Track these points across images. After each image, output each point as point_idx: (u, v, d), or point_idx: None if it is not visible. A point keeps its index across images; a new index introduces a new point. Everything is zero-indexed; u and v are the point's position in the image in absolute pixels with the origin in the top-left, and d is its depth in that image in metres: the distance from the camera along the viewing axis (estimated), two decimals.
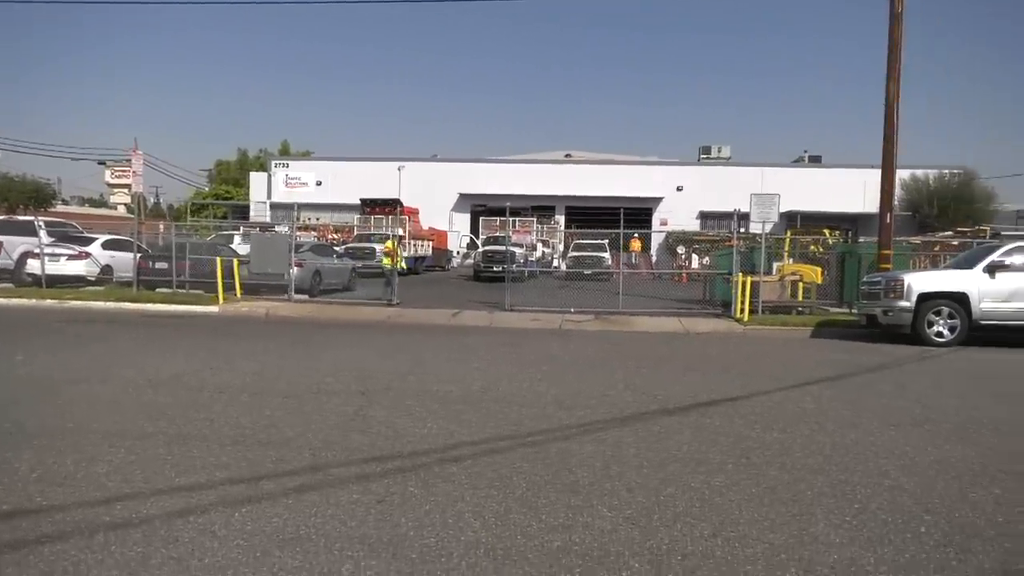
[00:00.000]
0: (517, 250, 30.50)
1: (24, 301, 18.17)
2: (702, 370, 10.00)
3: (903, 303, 13.57)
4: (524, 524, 4.08)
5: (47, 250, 20.67)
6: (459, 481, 4.81)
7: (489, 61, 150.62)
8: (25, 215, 28.86)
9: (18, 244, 21.95)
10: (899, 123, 16.48)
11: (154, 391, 7.52)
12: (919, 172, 44.52)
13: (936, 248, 24.86)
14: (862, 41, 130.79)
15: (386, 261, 20.21)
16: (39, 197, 51.52)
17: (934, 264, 20.99)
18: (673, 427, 6.42)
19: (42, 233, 21.32)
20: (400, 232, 23.45)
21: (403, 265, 20.13)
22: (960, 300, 13.41)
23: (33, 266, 20.73)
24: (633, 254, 38.56)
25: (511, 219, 30.44)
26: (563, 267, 34.97)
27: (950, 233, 32.15)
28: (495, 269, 27.47)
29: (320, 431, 6.01)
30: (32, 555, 3.56)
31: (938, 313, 13.45)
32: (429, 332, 14.48)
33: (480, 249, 34.33)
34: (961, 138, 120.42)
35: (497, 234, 36.94)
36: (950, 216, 41.24)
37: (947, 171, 44.58)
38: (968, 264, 14.08)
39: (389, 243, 20.65)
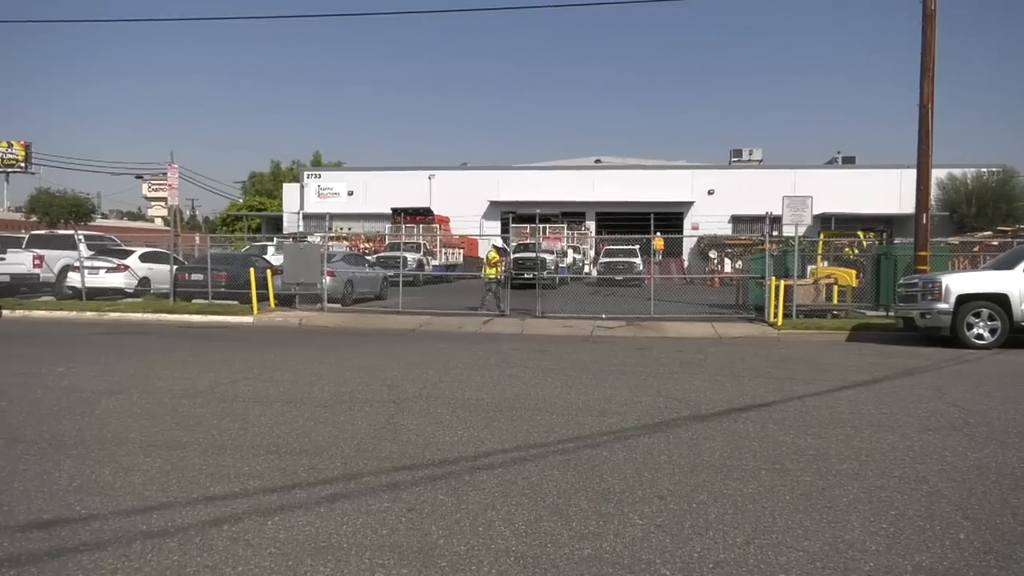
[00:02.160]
0: (548, 257, 30.48)
1: (65, 313, 18.58)
2: (735, 375, 9.90)
3: (941, 305, 13.32)
4: (555, 532, 4.06)
5: (87, 263, 21.13)
6: (490, 489, 4.81)
7: (519, 69, 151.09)
8: (65, 229, 29.52)
9: (59, 258, 22.47)
10: (934, 122, 16.20)
11: (190, 401, 7.63)
12: (956, 171, 43.74)
13: (976, 248, 24.38)
14: (896, 39, 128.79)
15: (490, 272, 20.17)
16: (79, 211, 52.72)
17: (973, 265, 20.57)
18: (706, 433, 6.36)
19: (82, 247, 21.83)
20: (499, 243, 23.32)
21: (501, 276, 20.03)
22: (1000, 301, 13.12)
23: (73, 279, 21.21)
24: (659, 252, 38.34)
25: (541, 226, 30.45)
26: (594, 273, 34.89)
27: (989, 233, 31.53)
28: (526, 276, 27.47)
29: (352, 439, 6.05)
30: (71, 563, 3.63)
31: (978, 315, 13.17)
32: (460, 340, 14.52)
33: (511, 256, 34.38)
34: (999, 135, 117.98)
35: (528, 241, 36.98)
36: (989, 215, 40.45)
37: (985, 169, 43.75)
38: (1008, 264, 13.77)
39: (493, 253, 20.61)
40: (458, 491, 4.76)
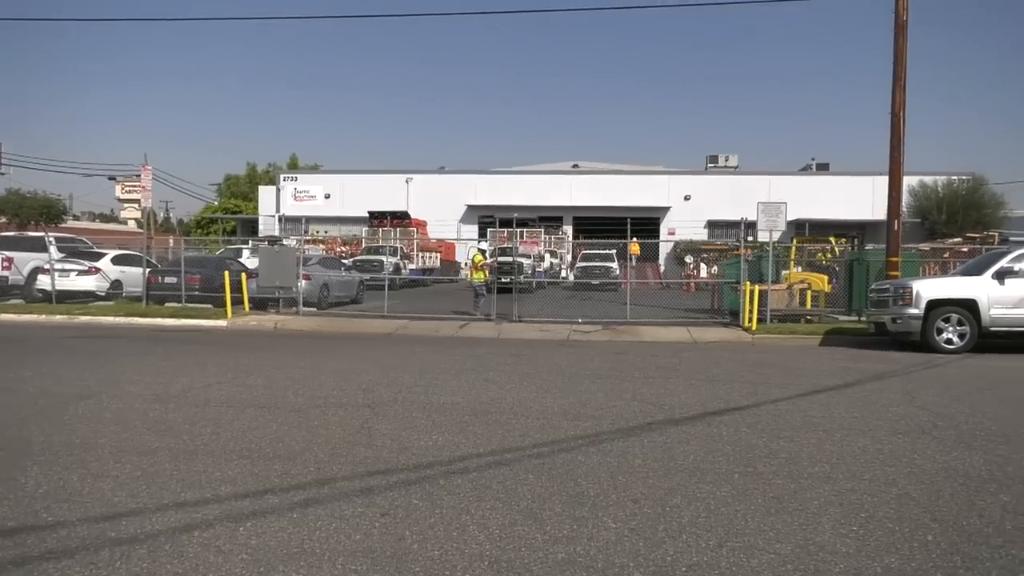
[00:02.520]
0: (525, 261, 30.54)
1: (34, 317, 18.28)
2: (710, 379, 9.97)
3: (912, 310, 13.51)
4: (529, 536, 4.07)
5: (57, 266, 20.78)
6: (464, 493, 4.80)
7: (496, 73, 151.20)
8: (36, 231, 29.08)
9: (29, 260, 22.11)
10: (906, 130, 16.45)
11: (161, 406, 7.54)
12: (927, 178, 44.40)
13: (946, 255, 24.73)
14: (869, 48, 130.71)
15: (477, 276, 20.02)
16: (50, 213, 51.99)
17: (944, 271, 20.88)
18: (680, 437, 6.40)
19: (52, 249, 21.47)
20: (484, 246, 22.96)
21: (488, 278, 19.93)
22: (969, 307, 13.33)
23: (43, 282, 20.86)
24: (633, 257, 38.59)
25: (519, 230, 30.46)
26: (571, 277, 35.00)
27: (959, 239, 32.00)
28: (503, 280, 27.51)
29: (326, 444, 6.02)
30: (37, 572, 3.57)
31: (947, 320, 13.37)
32: (436, 344, 14.49)
33: (495, 259, 34.42)
34: (970, 144, 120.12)
35: (505, 245, 37.05)
36: (959, 222, 41.06)
37: (956, 177, 44.43)
38: (977, 270, 14.00)
39: (477, 256, 20.44)
40: (432, 496, 4.75)
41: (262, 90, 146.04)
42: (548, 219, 48.30)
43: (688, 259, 44.45)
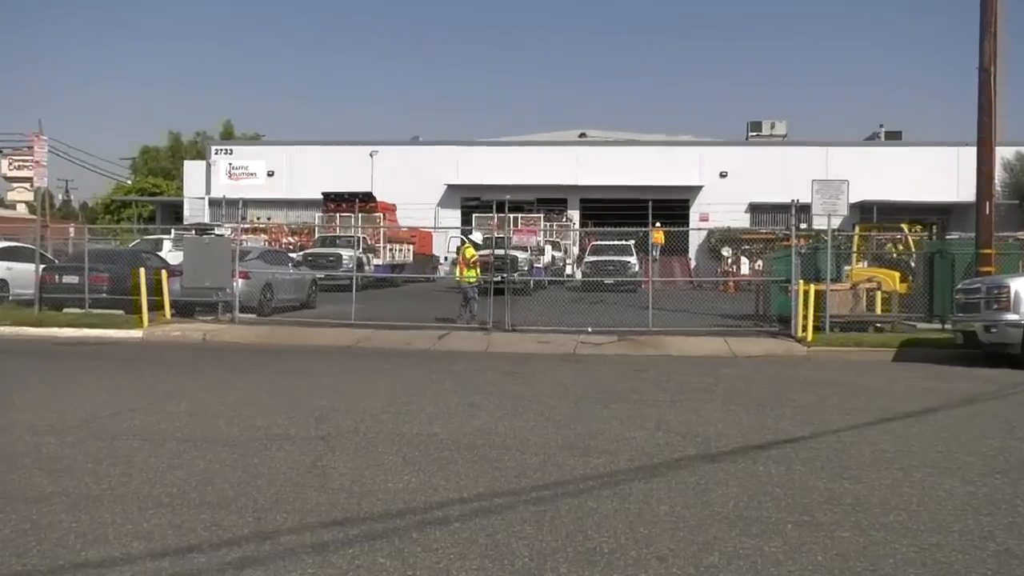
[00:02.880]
0: (520, 255, 30.54)
1: None
2: (754, 403, 9.97)
3: (1010, 316, 13.50)
4: None
5: None
6: (443, 550, 4.76)
7: (484, 24, 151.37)
8: None
9: None
10: (998, 89, 16.46)
11: (58, 439, 7.49)
12: None
13: None
14: None
15: (468, 274, 20.15)
16: None
17: None
18: (717, 477, 6.38)
19: None
20: (478, 238, 22.76)
21: (479, 277, 19.91)
22: None
23: None
24: (656, 249, 38.58)
25: (512, 216, 30.43)
26: (578, 275, 35.03)
27: None
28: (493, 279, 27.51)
29: (268, 488, 5.98)
30: None
31: None
32: (408, 359, 14.47)
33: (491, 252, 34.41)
34: None
35: (495, 235, 37.07)
36: None
37: None
38: None
39: (469, 250, 20.45)
40: (403, 552, 4.71)
41: (188, 42, 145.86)
42: (549, 202, 48.29)
43: (725, 251, 44.51)
